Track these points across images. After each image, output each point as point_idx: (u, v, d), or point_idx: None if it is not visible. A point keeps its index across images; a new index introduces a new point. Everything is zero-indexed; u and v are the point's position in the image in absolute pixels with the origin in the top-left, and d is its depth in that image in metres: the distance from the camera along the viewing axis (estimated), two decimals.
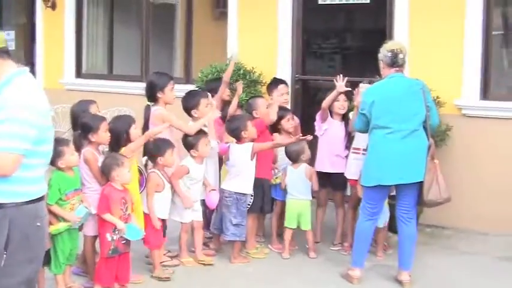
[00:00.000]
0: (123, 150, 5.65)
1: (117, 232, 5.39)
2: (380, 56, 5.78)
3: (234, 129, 6.33)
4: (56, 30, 11.00)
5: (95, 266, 5.59)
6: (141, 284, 5.79)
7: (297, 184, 6.52)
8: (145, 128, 6.14)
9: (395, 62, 5.69)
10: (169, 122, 6.11)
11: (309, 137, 6.40)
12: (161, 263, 6.08)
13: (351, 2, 8.44)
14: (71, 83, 10.79)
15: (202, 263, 6.22)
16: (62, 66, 10.94)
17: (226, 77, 6.95)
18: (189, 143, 6.17)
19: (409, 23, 7.59)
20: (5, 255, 3.48)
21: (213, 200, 6.30)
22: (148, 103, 6.34)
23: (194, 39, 9.86)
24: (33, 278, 3.73)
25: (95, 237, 5.61)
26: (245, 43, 8.71)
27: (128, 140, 5.71)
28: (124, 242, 5.45)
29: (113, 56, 11.07)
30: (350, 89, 6.68)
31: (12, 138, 3.42)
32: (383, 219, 6.32)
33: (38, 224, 3.63)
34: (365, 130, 5.83)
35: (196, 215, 6.29)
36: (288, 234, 6.55)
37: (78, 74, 10.95)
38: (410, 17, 7.59)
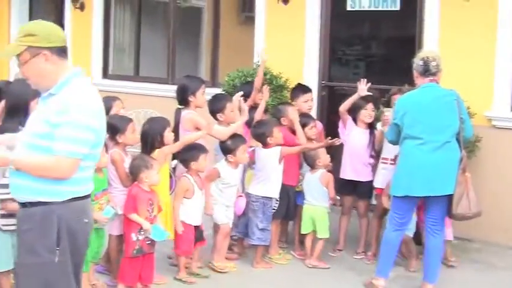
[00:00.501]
0: (156, 152, 5.64)
1: (142, 232, 5.39)
2: (414, 65, 5.72)
3: (260, 134, 6.30)
4: (84, 30, 11.05)
5: (118, 265, 5.60)
6: (164, 285, 5.79)
7: (312, 190, 6.46)
8: (176, 131, 6.06)
9: (428, 71, 5.63)
10: (201, 127, 6.07)
11: (338, 141, 6.37)
12: (186, 268, 6.07)
13: (380, 8, 8.38)
14: (97, 83, 10.77)
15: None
16: (89, 67, 10.96)
17: (257, 83, 6.84)
18: (228, 148, 6.10)
19: (439, 31, 7.53)
20: (58, 251, 3.53)
21: (241, 206, 6.27)
22: (179, 107, 6.29)
23: (221, 43, 9.87)
24: (78, 273, 3.79)
25: (120, 236, 5.61)
26: (272, 48, 8.67)
27: (162, 143, 5.70)
28: (149, 242, 5.45)
29: (139, 57, 11.09)
30: (371, 93, 6.67)
31: (73, 142, 3.45)
32: (412, 230, 6.25)
33: (86, 220, 3.70)
34: (396, 141, 5.77)
35: (228, 220, 6.24)
36: (308, 241, 6.49)
37: (105, 74, 10.99)
38: (441, 26, 7.52)
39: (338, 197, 6.67)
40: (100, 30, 10.98)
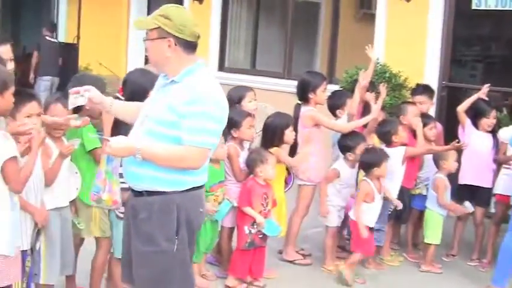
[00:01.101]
0: (274, 149, 5.62)
1: (255, 226, 5.39)
2: None
3: (385, 133, 6.18)
4: (201, 23, 11.04)
5: (229, 257, 5.63)
6: (273, 279, 5.77)
7: (431, 195, 6.28)
8: (294, 127, 5.95)
9: None
10: (321, 124, 6.03)
11: (465, 145, 6.19)
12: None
13: (507, 8, 8.05)
14: (214, 75, 10.96)
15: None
16: (205, 59, 11.11)
17: (364, 82, 6.43)
18: (347, 145, 6.01)
19: None
20: (176, 240, 3.56)
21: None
22: (298, 102, 6.20)
23: (339, 39, 9.78)
24: (191, 260, 3.81)
25: (232, 228, 5.64)
26: (392, 45, 8.54)
27: (281, 140, 5.69)
28: (261, 236, 5.45)
29: (256, 51, 11.15)
30: (488, 98, 6.45)
31: (204, 133, 3.47)
32: None
33: (201, 209, 3.72)
34: None
35: (339, 222, 6.18)
36: (431, 250, 6.28)
37: (221, 67, 11.13)
38: None
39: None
40: (217, 23, 11.11)
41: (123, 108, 3.95)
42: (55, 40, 12.81)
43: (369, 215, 5.78)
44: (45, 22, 13.55)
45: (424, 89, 7.05)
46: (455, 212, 6.37)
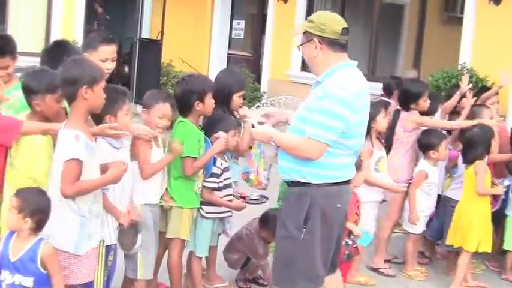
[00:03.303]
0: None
1: (352, 237, 5.10)
2: None
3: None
4: (286, 23, 11.27)
5: None
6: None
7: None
8: (392, 132, 5.93)
9: None
10: (425, 124, 5.97)
11: None
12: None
13: None
14: (295, 75, 11.01)
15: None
16: (289, 59, 11.19)
17: (448, 109, 6.45)
18: (431, 143, 5.87)
19: None
20: (304, 230, 3.80)
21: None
22: (399, 108, 6.10)
23: (424, 41, 9.68)
24: (329, 258, 3.98)
25: None
26: (479, 49, 8.39)
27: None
28: (355, 246, 5.16)
29: None
30: None
31: (320, 127, 3.69)
32: None
33: (339, 205, 3.90)
34: None
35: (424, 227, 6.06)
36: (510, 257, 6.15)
37: (304, 67, 11.14)
38: None
39: None
40: None
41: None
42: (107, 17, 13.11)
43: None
44: (129, 18, 13.89)
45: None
46: None
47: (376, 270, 6.04)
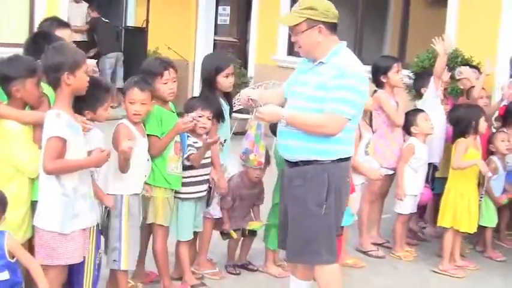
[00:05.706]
0: None
1: None
2: None
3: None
4: (271, 7, 11.21)
5: None
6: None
7: None
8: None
9: None
10: (384, 107, 5.97)
11: None
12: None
13: None
14: (283, 60, 10.97)
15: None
16: (275, 44, 11.15)
17: (439, 72, 6.30)
18: (408, 120, 5.96)
19: None
20: (325, 205, 3.96)
21: (427, 196, 6.14)
22: (376, 88, 6.10)
23: (410, 23, 9.66)
24: (339, 226, 4.20)
25: None
26: (464, 30, 8.39)
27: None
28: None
29: None
30: None
31: (344, 103, 3.87)
32: None
33: (347, 179, 4.13)
34: None
35: (414, 207, 6.10)
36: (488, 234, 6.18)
37: (290, 51, 11.10)
38: None
39: None
40: (288, 8, 11.06)
41: (271, 99, 4.31)
42: (107, 20, 13.12)
43: None
44: (114, 6, 13.83)
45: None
46: None
47: (365, 253, 6.07)
